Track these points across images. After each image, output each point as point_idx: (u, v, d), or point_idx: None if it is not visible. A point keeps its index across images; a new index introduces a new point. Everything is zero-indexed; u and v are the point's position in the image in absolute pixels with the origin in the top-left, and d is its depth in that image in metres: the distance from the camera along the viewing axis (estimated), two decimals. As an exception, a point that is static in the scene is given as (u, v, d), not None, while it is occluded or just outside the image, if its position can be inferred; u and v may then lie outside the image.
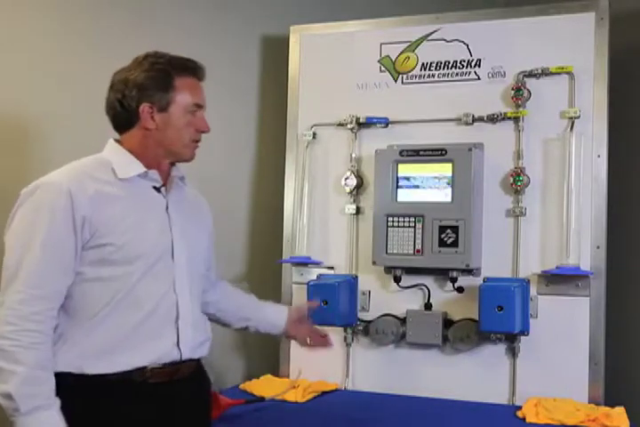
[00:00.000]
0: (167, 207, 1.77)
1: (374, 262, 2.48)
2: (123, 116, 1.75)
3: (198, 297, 1.84)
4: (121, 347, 1.65)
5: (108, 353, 1.64)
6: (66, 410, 1.58)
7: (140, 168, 1.74)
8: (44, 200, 1.61)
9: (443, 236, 2.38)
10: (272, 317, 2.09)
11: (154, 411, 1.69)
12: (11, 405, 1.52)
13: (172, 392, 1.72)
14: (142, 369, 1.67)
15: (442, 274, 2.46)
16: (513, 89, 2.43)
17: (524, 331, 2.35)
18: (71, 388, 1.60)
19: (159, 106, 1.72)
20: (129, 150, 1.75)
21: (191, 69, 1.79)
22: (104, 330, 1.64)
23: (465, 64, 2.53)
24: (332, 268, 2.66)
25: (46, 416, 1.54)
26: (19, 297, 1.56)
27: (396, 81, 2.62)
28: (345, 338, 2.60)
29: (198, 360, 1.82)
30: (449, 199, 2.40)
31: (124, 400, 1.65)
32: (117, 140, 1.79)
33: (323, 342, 2.14)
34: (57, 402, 1.57)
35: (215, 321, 2.05)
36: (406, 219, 2.43)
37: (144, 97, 1.71)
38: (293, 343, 2.67)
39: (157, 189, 1.78)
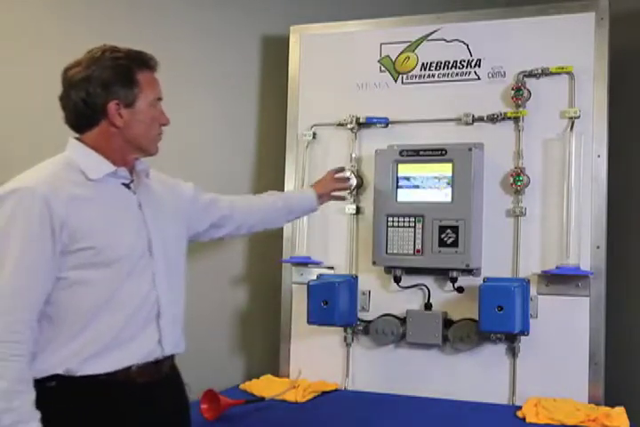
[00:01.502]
0: (139, 204, 1.75)
1: (374, 262, 2.48)
2: (86, 115, 1.69)
3: (178, 291, 1.83)
4: (107, 348, 1.64)
5: (95, 355, 1.62)
6: (49, 414, 1.54)
7: (110, 167, 1.70)
8: (18, 207, 1.56)
9: (443, 236, 2.38)
10: (306, 203, 2.33)
11: (139, 411, 1.68)
12: None
13: (155, 391, 1.72)
14: (127, 369, 1.66)
15: (442, 274, 2.46)
16: (513, 89, 2.43)
17: (524, 331, 2.35)
18: (56, 390, 1.58)
19: (125, 102, 1.69)
20: (94, 149, 1.70)
21: (149, 63, 1.75)
22: (89, 333, 1.62)
23: (465, 64, 2.53)
24: (332, 268, 2.66)
25: None
26: None
27: (396, 81, 2.62)
28: (345, 338, 2.60)
29: (173, 357, 1.81)
30: (449, 199, 2.40)
31: (110, 401, 1.64)
32: (78, 139, 1.73)
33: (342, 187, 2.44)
34: (37, 415, 1.53)
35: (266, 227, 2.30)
36: (406, 219, 2.43)
37: (110, 94, 1.67)
38: (293, 343, 2.68)
39: (127, 186, 1.75)
